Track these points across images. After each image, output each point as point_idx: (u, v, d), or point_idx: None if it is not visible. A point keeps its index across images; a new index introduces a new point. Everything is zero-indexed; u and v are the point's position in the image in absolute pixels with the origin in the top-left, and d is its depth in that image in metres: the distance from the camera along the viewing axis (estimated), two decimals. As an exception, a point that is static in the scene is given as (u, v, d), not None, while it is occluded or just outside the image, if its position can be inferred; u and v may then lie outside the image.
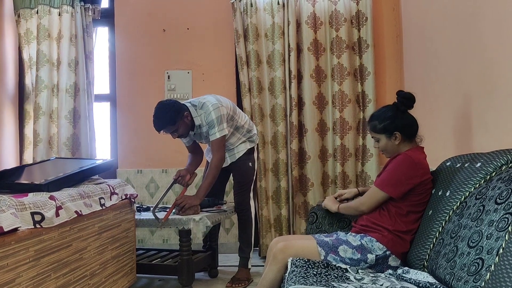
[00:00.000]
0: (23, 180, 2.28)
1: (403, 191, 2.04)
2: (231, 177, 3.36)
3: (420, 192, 2.06)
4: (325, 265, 1.91)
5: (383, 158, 3.91)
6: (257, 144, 3.34)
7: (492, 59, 2.19)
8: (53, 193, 2.02)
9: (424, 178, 2.06)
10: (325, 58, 3.89)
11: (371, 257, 2.01)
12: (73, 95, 3.99)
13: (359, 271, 1.92)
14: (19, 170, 2.57)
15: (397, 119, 2.14)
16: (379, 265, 2.03)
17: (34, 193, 1.98)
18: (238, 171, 3.20)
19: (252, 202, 3.22)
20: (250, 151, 3.22)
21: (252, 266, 3.21)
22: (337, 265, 1.93)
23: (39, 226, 1.83)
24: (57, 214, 1.93)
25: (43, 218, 1.84)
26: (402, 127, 2.14)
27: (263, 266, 2.23)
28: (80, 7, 3.98)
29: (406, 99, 2.16)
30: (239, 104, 3.91)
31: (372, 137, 2.26)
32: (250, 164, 3.20)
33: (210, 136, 3.01)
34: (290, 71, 3.84)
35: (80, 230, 2.15)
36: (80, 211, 2.12)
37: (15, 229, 1.70)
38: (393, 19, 3.90)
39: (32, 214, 1.80)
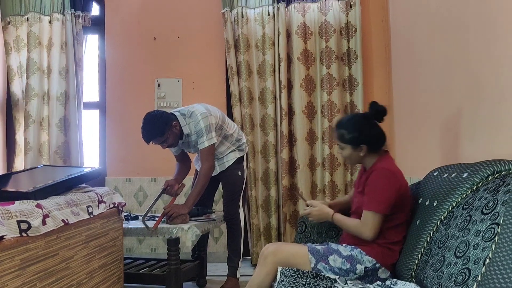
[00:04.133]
0: (10, 187, 2.25)
1: (393, 205, 2.03)
2: (220, 186, 3.36)
3: (402, 198, 2.06)
4: (314, 275, 1.91)
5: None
6: (247, 153, 3.34)
7: (478, 70, 2.22)
8: (40, 201, 1.99)
9: (404, 184, 2.07)
10: (315, 68, 3.92)
11: (360, 268, 2.01)
12: (64, 103, 3.97)
13: (348, 282, 1.92)
14: (6, 177, 2.55)
15: (365, 132, 2.11)
16: (369, 276, 2.03)
17: (21, 201, 1.96)
18: (227, 180, 3.20)
19: (241, 211, 3.21)
20: (240, 160, 3.22)
21: (241, 275, 3.20)
22: (326, 275, 1.93)
23: (25, 235, 1.80)
24: (44, 223, 1.91)
25: (29, 226, 1.82)
26: (370, 141, 2.11)
27: (252, 275, 2.22)
28: (71, 15, 3.98)
29: (378, 112, 2.12)
30: (230, 114, 3.92)
31: (337, 145, 2.22)
32: (239, 173, 3.19)
33: (199, 145, 3.01)
34: (280, 81, 3.86)
35: (67, 238, 2.13)
36: (67, 219, 2.09)
37: (1, 238, 1.68)
38: (382, 31, 3.95)
39: (18, 222, 1.78)
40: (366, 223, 2.03)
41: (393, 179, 2.04)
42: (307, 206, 2.26)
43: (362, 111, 3.84)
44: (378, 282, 1.93)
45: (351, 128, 2.12)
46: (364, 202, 2.05)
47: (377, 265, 2.02)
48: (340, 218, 2.15)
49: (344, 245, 2.11)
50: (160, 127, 2.91)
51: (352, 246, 2.08)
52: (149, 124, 2.91)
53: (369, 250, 2.03)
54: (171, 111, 3.06)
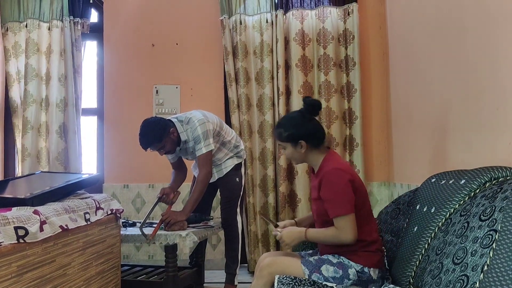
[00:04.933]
0: (7, 194, 2.24)
1: (353, 202, 2.00)
2: (218, 193, 3.35)
3: (358, 191, 2.03)
4: (312, 282, 1.90)
5: (369, 174, 3.93)
6: (245, 160, 3.34)
7: (476, 78, 2.23)
8: (38, 208, 1.99)
9: (354, 175, 2.05)
10: (313, 74, 3.93)
11: (352, 272, 2.00)
12: (63, 110, 3.98)
13: (345, 289, 1.92)
14: (3, 183, 2.54)
15: (302, 128, 2.08)
16: (364, 282, 2.02)
17: (18, 207, 1.95)
18: (225, 187, 3.20)
19: (239, 218, 3.20)
20: (238, 167, 3.21)
21: (238, 282, 3.19)
22: (323, 283, 1.93)
23: (22, 241, 1.80)
24: (41, 229, 1.91)
25: (26, 232, 1.81)
26: (307, 136, 2.08)
27: (250, 283, 2.21)
28: (69, 21, 3.99)
29: (312, 106, 2.10)
30: (228, 120, 3.93)
31: (278, 145, 2.21)
32: (237, 179, 3.19)
33: (197, 151, 3.01)
34: (278, 88, 3.88)
35: (64, 245, 2.12)
36: (66, 225, 2.09)
37: (-2, 244, 1.67)
38: (380, 38, 3.97)
39: (16, 228, 1.78)
40: (342, 228, 1.97)
41: (344, 175, 2.00)
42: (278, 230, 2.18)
43: (360, 118, 3.85)
44: (376, 289, 1.92)
45: (287, 125, 2.11)
46: (329, 210, 2.00)
47: (365, 268, 2.02)
48: (314, 233, 2.08)
49: (331, 254, 2.09)
50: (157, 133, 2.91)
51: (337, 255, 2.07)
52: (147, 131, 2.91)
53: (352, 257, 2.02)
54: (168, 118, 3.06)
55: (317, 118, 2.18)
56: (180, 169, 3.29)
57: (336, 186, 1.99)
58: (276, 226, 2.23)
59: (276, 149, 3.89)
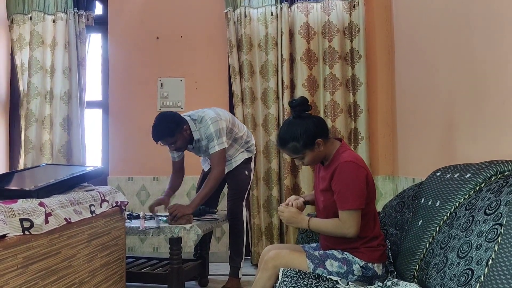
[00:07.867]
0: (13, 186, 2.25)
1: (365, 198, 1.99)
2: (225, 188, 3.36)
3: (369, 188, 2.02)
4: (316, 276, 1.91)
5: (373, 167, 3.92)
6: (255, 154, 3.33)
7: (482, 70, 2.22)
8: (43, 200, 2.00)
9: (368, 171, 2.04)
10: (318, 68, 3.92)
11: (356, 267, 2.01)
12: (67, 102, 3.99)
13: (350, 283, 1.92)
14: (8, 176, 2.55)
15: (309, 128, 2.02)
16: (368, 277, 2.02)
17: (24, 199, 1.96)
18: (233, 179, 3.20)
19: (244, 211, 3.21)
20: (247, 161, 3.22)
21: (242, 275, 3.20)
22: (327, 277, 1.93)
23: (27, 233, 1.81)
24: (46, 221, 1.92)
25: (32, 224, 1.82)
26: (318, 132, 2.04)
27: (254, 275, 2.22)
28: (74, 14, 3.99)
29: (301, 105, 2.06)
30: (232, 114, 3.91)
31: (294, 158, 2.13)
32: (246, 173, 3.20)
33: (210, 149, 3.01)
34: (282, 81, 3.86)
35: (70, 237, 2.13)
36: (70, 218, 2.10)
37: (3, 236, 1.68)
38: (385, 31, 3.94)
39: (21, 220, 1.79)
40: (346, 222, 1.97)
41: (360, 170, 1.99)
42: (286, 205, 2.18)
43: (365, 111, 3.84)
44: (379, 283, 1.92)
45: (296, 135, 2.03)
46: (339, 202, 1.99)
47: (369, 264, 2.02)
48: (316, 224, 2.07)
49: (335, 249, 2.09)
50: (171, 127, 2.91)
51: (341, 250, 2.07)
52: (161, 123, 2.92)
53: (355, 253, 2.02)
54: (181, 115, 3.06)
55: (311, 112, 2.14)
56: (180, 171, 3.27)
57: (351, 180, 1.97)
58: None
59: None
